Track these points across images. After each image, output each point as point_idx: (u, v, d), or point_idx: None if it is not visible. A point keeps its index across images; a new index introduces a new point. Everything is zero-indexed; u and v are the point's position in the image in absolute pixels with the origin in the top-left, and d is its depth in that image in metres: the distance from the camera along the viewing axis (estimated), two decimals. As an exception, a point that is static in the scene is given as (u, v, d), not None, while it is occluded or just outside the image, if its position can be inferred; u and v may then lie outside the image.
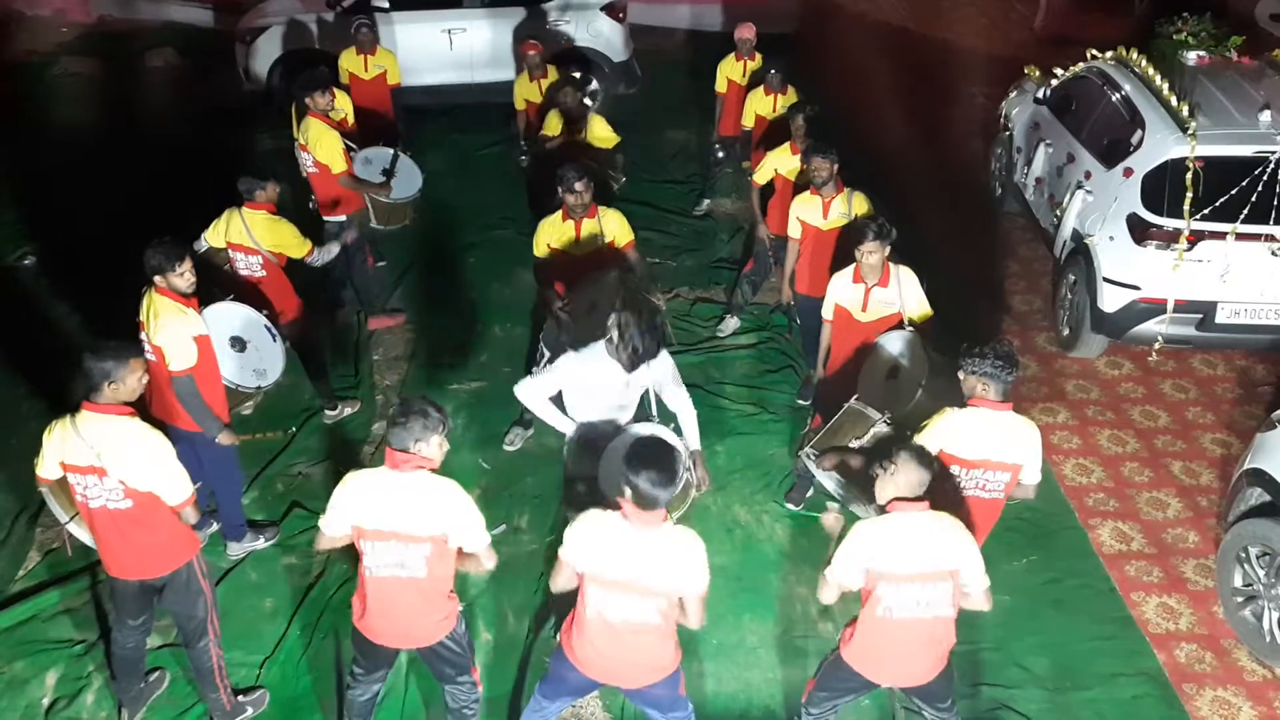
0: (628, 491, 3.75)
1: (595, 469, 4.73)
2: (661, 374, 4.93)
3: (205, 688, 4.77)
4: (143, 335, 5.12)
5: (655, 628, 3.90)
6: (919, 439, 4.52)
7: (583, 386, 4.81)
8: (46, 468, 4.32)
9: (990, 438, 4.46)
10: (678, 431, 4.97)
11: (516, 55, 10.80)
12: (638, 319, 4.68)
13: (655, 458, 3.75)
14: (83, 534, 4.46)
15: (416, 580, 4.01)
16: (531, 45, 8.82)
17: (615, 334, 4.69)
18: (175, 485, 4.27)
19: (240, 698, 4.89)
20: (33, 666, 5.14)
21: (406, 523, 3.93)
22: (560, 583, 4.00)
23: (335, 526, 4.05)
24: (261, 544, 5.82)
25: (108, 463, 4.13)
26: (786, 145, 7.19)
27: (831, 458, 5.09)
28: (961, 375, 4.54)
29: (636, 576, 3.80)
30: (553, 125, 7.76)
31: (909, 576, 3.88)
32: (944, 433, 4.49)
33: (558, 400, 4.94)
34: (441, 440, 3.97)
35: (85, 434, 4.14)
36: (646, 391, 4.97)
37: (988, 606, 4.10)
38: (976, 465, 4.48)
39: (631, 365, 4.72)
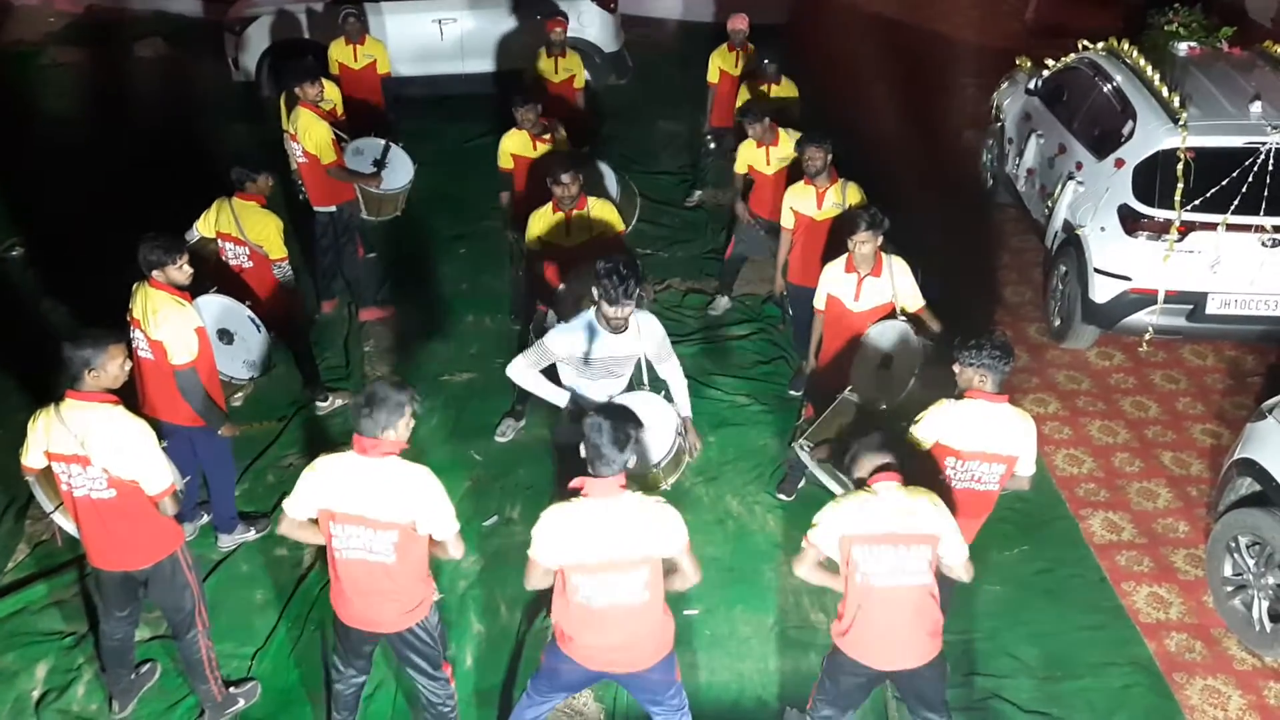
0: (584, 451, 3.78)
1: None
2: (652, 340, 4.93)
3: (195, 680, 4.75)
4: (135, 332, 5.09)
5: (645, 605, 3.88)
6: (914, 430, 4.53)
7: (572, 358, 4.81)
8: (32, 457, 4.31)
9: (986, 430, 4.46)
10: (668, 399, 4.98)
11: (514, 41, 10.82)
12: (613, 265, 4.65)
13: (611, 415, 3.79)
14: (68, 524, 4.44)
15: (385, 565, 3.99)
16: (556, 22, 8.73)
17: (596, 287, 4.66)
18: (156, 474, 4.24)
19: (232, 689, 4.88)
20: (22, 659, 5.12)
21: (375, 508, 3.90)
22: (534, 581, 3.98)
23: (299, 508, 4.01)
24: (252, 535, 5.81)
25: (91, 451, 4.12)
26: (751, 141, 7.23)
27: (826, 450, 5.09)
28: (957, 368, 4.53)
29: (617, 551, 3.79)
30: (520, 145, 7.29)
31: (881, 537, 3.92)
32: (939, 424, 4.49)
33: (551, 374, 4.92)
34: (409, 420, 3.94)
35: (69, 422, 4.12)
36: (638, 362, 4.97)
37: (968, 578, 4.12)
38: (972, 457, 4.48)
39: (614, 302, 4.63)
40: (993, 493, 4.59)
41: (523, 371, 4.88)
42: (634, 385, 5.12)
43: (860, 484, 4.07)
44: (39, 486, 4.45)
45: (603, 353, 4.85)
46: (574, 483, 3.83)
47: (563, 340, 4.83)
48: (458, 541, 4.09)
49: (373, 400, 3.85)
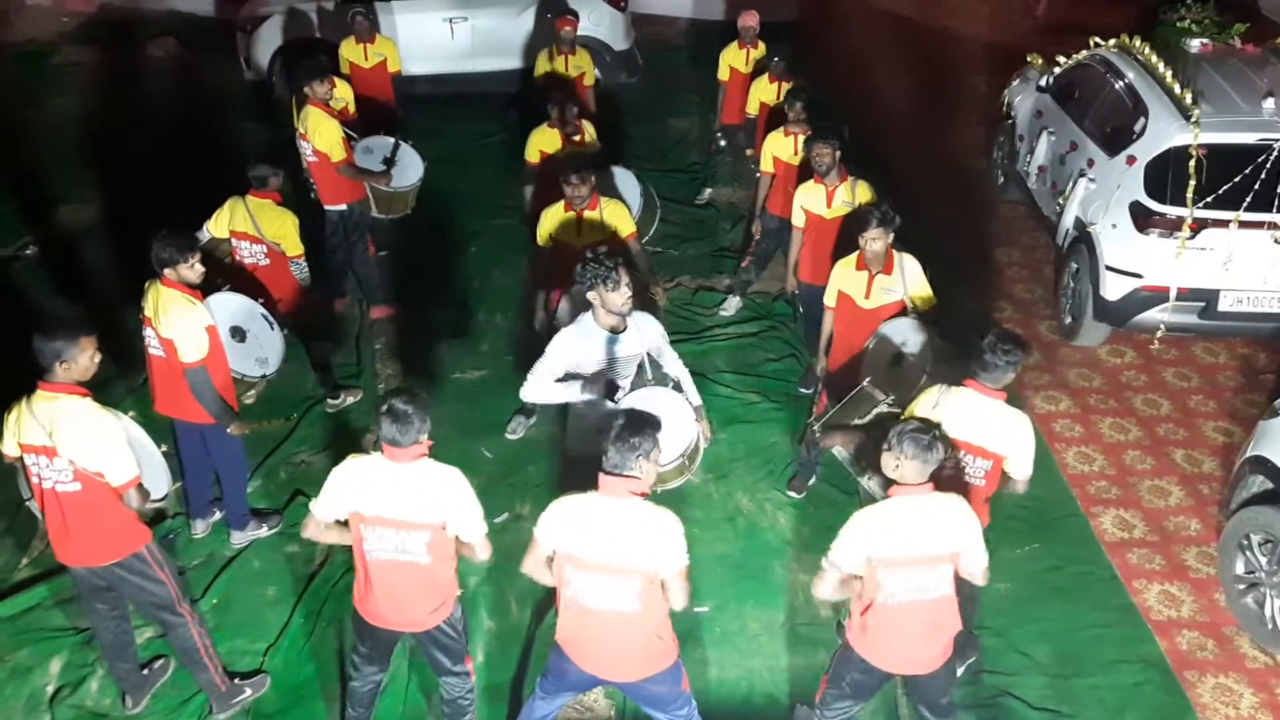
0: (604, 458, 3.77)
1: (596, 447, 4.75)
2: (653, 337, 4.97)
3: (195, 669, 4.79)
4: (147, 330, 5.12)
5: (636, 615, 3.85)
6: (908, 413, 4.53)
7: (579, 363, 4.83)
8: (6, 445, 4.36)
9: (973, 421, 4.45)
10: (678, 389, 5.02)
11: (524, 40, 10.84)
12: (587, 257, 4.70)
13: (630, 417, 3.77)
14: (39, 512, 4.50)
15: (418, 565, 4.01)
16: (567, 20, 8.73)
17: (590, 288, 4.70)
18: (120, 466, 4.25)
19: (238, 680, 4.92)
20: (36, 654, 5.15)
21: (406, 510, 3.92)
22: (529, 563, 3.98)
23: (328, 511, 4.04)
24: (265, 532, 5.84)
25: (58, 442, 4.15)
26: (780, 130, 7.21)
27: (830, 436, 5.11)
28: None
29: (611, 553, 3.77)
30: (550, 141, 7.34)
31: (908, 560, 3.87)
32: (929, 408, 4.50)
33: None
34: (429, 423, 3.96)
35: (38, 413, 4.16)
36: (642, 361, 4.99)
37: (983, 583, 4.09)
38: (956, 445, 4.46)
39: (615, 285, 4.66)
40: (979, 488, 4.54)
41: (536, 388, 4.85)
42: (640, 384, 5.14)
43: (888, 484, 3.99)
44: (20, 474, 4.50)
45: (607, 357, 4.85)
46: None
47: (568, 347, 4.82)
48: (485, 543, 4.11)
49: (402, 417, 3.84)
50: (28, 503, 4.55)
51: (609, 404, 4.84)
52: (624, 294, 4.70)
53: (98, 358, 4.30)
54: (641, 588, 3.82)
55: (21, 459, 4.34)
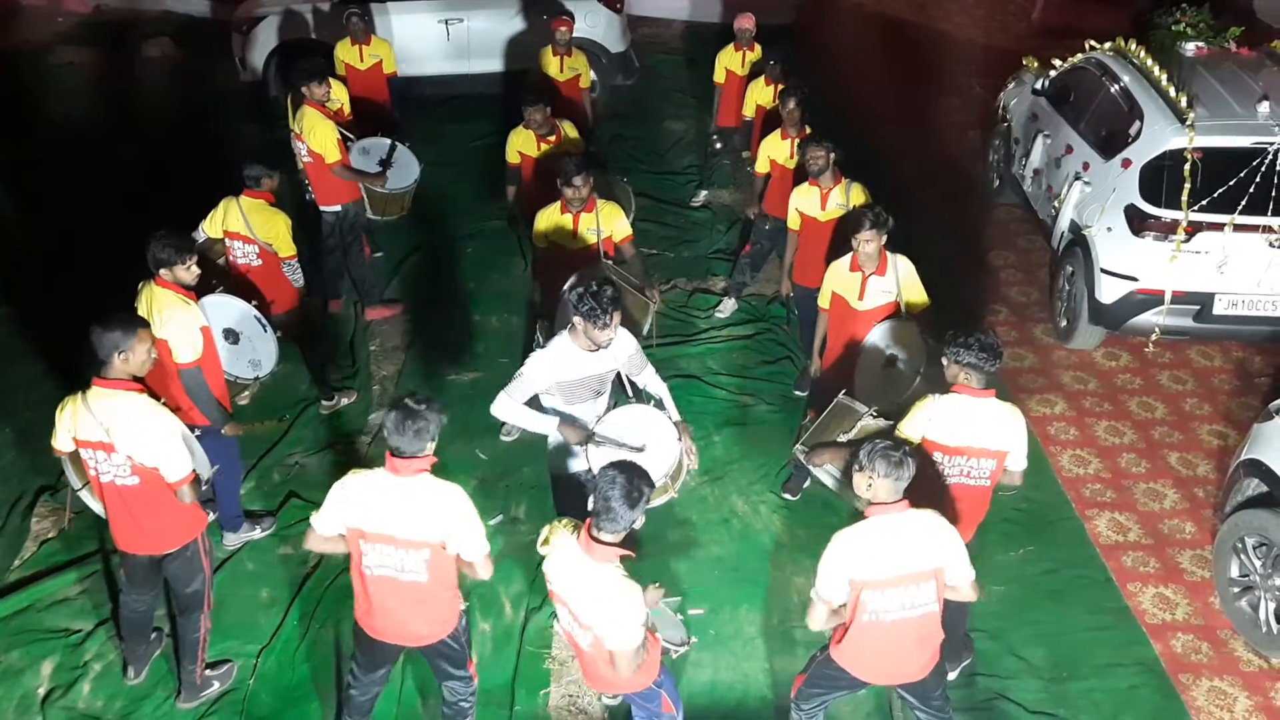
0: (592, 503, 3.72)
1: (580, 466, 4.74)
2: (629, 354, 4.96)
3: (186, 659, 4.83)
4: None
5: (596, 650, 3.85)
6: (901, 427, 4.53)
7: (555, 382, 4.82)
8: (60, 440, 4.41)
9: (972, 425, 4.45)
10: (659, 407, 5.01)
11: (520, 41, 10.83)
12: (584, 287, 4.67)
13: (626, 471, 3.73)
14: (93, 502, 4.57)
15: (418, 584, 3.98)
16: (562, 21, 8.75)
17: (576, 316, 4.67)
18: (175, 463, 4.32)
19: (208, 672, 4.95)
20: (28, 656, 5.14)
21: (406, 528, 3.89)
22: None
23: (329, 525, 4.01)
24: (258, 534, 5.83)
25: (115, 438, 4.20)
26: (777, 132, 7.21)
27: (821, 454, 5.08)
28: (945, 362, 4.54)
29: (574, 607, 3.81)
30: (526, 142, 7.29)
31: (892, 581, 3.86)
32: (925, 420, 4.49)
33: (534, 403, 4.93)
34: (438, 431, 3.94)
35: (95, 410, 4.20)
36: (617, 377, 4.99)
37: (974, 597, 4.08)
38: (959, 452, 4.47)
39: (604, 325, 4.63)
40: (985, 489, 4.57)
41: (507, 407, 4.81)
42: (617, 399, 5.15)
43: (864, 504, 3.98)
44: (69, 465, 4.57)
45: (583, 374, 4.85)
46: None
47: (543, 368, 4.80)
48: (486, 562, 4.07)
49: (414, 418, 3.80)
50: (78, 492, 4.61)
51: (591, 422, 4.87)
52: (610, 334, 4.70)
53: (155, 352, 4.36)
54: (593, 639, 3.83)
55: (76, 453, 4.39)
